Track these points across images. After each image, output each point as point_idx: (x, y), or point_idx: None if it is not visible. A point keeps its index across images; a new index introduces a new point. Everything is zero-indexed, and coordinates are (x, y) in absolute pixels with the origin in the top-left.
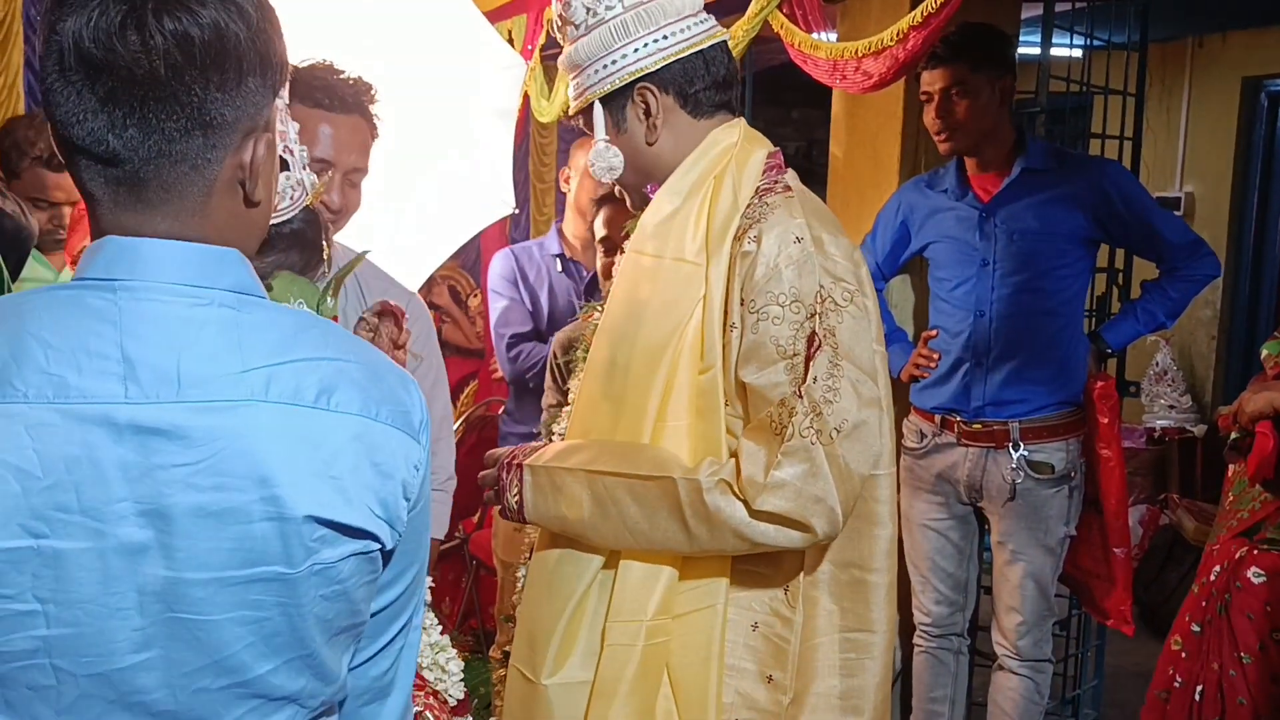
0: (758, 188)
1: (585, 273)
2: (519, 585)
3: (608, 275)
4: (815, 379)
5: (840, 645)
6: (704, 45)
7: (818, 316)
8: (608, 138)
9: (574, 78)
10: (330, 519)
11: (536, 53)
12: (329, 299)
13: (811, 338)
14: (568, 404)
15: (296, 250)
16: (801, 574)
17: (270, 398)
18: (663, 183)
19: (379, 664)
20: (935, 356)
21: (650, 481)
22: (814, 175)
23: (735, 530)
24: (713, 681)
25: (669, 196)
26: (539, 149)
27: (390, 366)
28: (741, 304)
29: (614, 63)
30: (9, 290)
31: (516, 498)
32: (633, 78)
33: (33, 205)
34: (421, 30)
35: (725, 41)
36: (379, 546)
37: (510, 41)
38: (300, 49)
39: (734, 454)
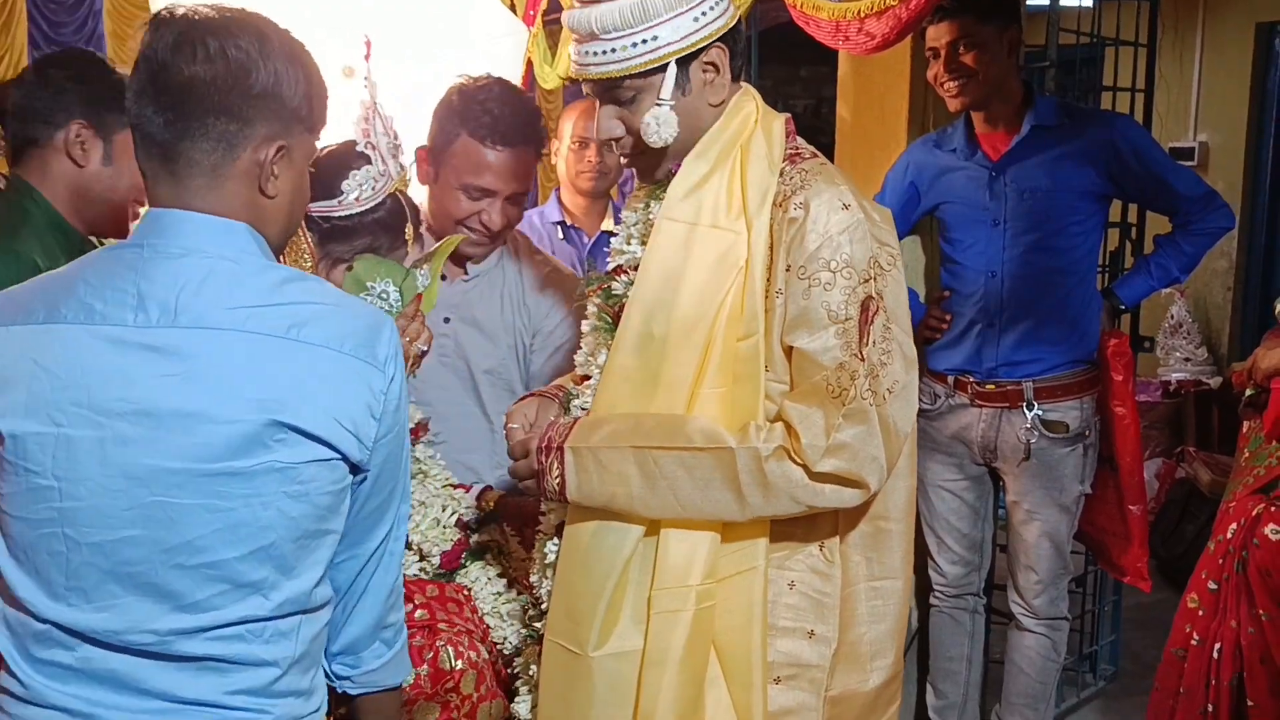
0: (785, 153)
1: (586, 239)
2: (546, 559)
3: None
4: (874, 343)
5: (867, 594)
6: (738, 14)
7: (871, 281)
8: (673, 102)
9: (635, 34)
10: (287, 423)
11: (539, 18)
12: (418, 275)
13: (866, 302)
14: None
15: (381, 235)
16: (836, 530)
17: (247, 328)
18: (692, 147)
19: (350, 568)
20: (947, 318)
21: (704, 453)
22: (823, 133)
23: (792, 494)
24: (756, 642)
25: (697, 163)
26: (545, 115)
27: (363, 311)
28: (788, 270)
29: (696, 19)
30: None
31: (558, 480)
32: (718, 34)
33: None
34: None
35: None
36: (340, 456)
37: (512, 7)
38: (294, 17)
39: (778, 419)
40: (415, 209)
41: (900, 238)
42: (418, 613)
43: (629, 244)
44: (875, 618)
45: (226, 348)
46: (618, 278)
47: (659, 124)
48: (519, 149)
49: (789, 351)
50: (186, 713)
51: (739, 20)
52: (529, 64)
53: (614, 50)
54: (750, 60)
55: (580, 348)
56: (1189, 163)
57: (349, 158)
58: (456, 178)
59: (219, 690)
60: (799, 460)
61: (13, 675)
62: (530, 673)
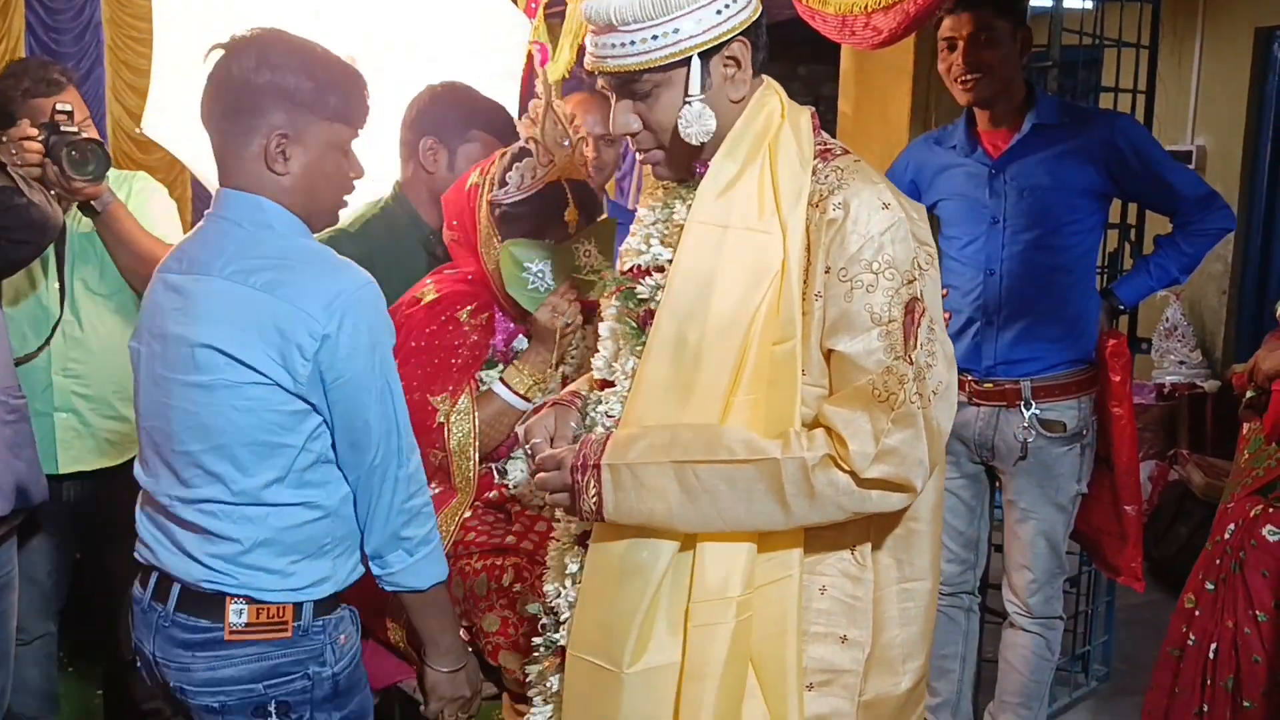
0: (815, 149)
1: None
2: (567, 570)
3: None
4: (920, 345)
5: (899, 596)
6: (761, 8)
7: (915, 282)
8: (704, 96)
9: (655, 26)
10: (230, 352)
11: (540, 10)
12: (581, 253)
13: (911, 304)
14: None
15: (542, 218)
16: (868, 533)
17: (224, 276)
18: (715, 145)
19: (354, 488)
20: (946, 316)
21: (747, 464)
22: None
23: (839, 503)
24: (791, 650)
25: (725, 162)
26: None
27: (331, 277)
28: (827, 272)
29: (719, 12)
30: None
31: (595, 499)
32: (741, 27)
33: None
34: None
35: None
36: (274, 383)
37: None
38: (299, 16)
39: (818, 424)
40: (588, 195)
41: None
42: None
43: (648, 245)
44: (906, 620)
45: (208, 290)
46: (642, 280)
47: (696, 119)
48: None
49: (828, 356)
50: (185, 559)
51: (762, 12)
52: (529, 57)
53: (633, 43)
54: None
55: (599, 351)
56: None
57: (517, 152)
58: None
59: (201, 550)
60: (846, 468)
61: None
62: (548, 685)
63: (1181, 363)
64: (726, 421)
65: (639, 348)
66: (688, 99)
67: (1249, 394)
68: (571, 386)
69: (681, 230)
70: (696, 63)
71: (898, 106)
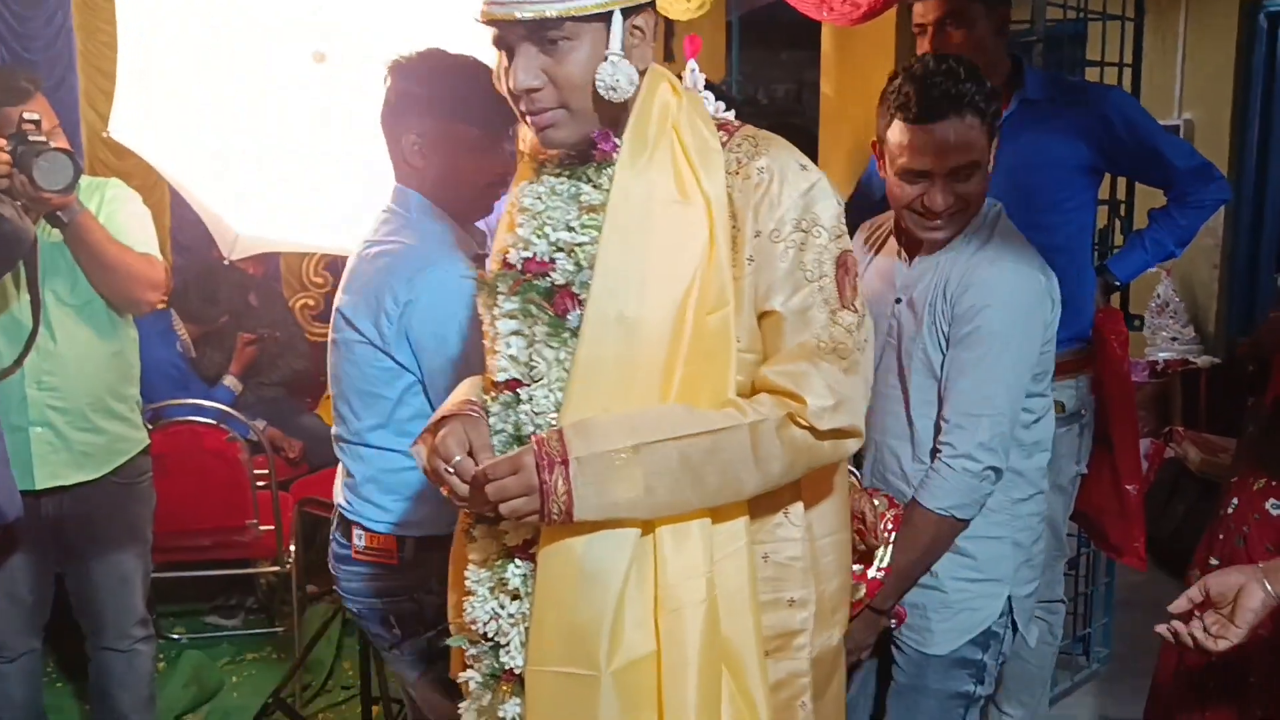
0: (717, 123)
1: None
2: (509, 584)
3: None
4: (856, 295)
5: (821, 551)
6: None
7: (843, 237)
8: (621, 53)
9: None
10: (347, 315)
11: None
12: None
13: (842, 257)
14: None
15: None
16: (798, 494)
17: (358, 252)
18: (616, 118)
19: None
20: None
21: (715, 435)
22: (804, 118)
23: (801, 459)
24: (751, 621)
25: (637, 141)
26: None
27: (426, 249)
28: (757, 236)
29: None
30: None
31: (565, 498)
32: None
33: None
34: None
35: None
36: (369, 342)
37: None
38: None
39: (764, 388)
40: None
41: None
42: None
43: (540, 234)
44: (831, 573)
45: (349, 264)
46: (551, 269)
47: (622, 75)
48: None
49: (762, 319)
50: (346, 483)
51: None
52: None
53: None
54: (732, 44)
55: (497, 351)
56: None
57: None
58: None
59: (341, 481)
60: (805, 424)
61: None
62: (502, 715)
63: (1174, 339)
64: (669, 397)
65: (562, 337)
66: (610, 53)
67: (1250, 368)
68: (459, 396)
69: (595, 212)
70: (618, 18)
71: (880, 87)
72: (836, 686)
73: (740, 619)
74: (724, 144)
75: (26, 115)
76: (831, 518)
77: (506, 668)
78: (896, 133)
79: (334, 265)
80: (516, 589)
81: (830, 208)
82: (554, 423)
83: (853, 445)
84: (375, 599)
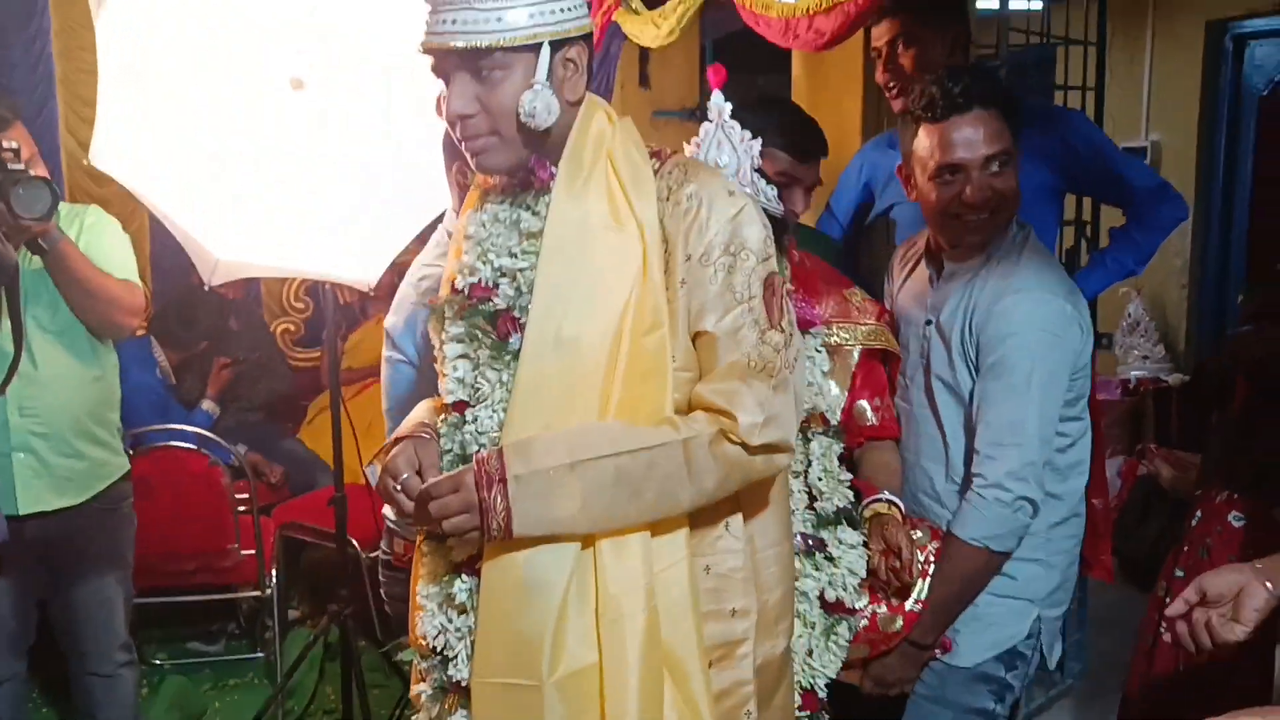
0: (650, 151)
1: None
2: (456, 599)
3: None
4: (784, 315)
5: (763, 563)
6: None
7: (771, 259)
8: (549, 84)
9: (510, 8)
10: (393, 337)
11: None
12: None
13: (770, 279)
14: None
15: None
16: (737, 506)
17: (413, 276)
18: (549, 148)
19: None
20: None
21: (651, 451)
22: None
23: (733, 474)
24: (694, 631)
25: (573, 167)
26: None
27: None
28: (688, 259)
29: (565, 10)
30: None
31: (504, 514)
32: (582, 31)
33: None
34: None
35: None
36: (410, 362)
37: None
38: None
39: (697, 407)
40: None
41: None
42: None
43: (487, 260)
44: (774, 584)
45: (403, 283)
46: (494, 294)
47: (542, 105)
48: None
49: (696, 339)
50: None
51: (590, 34)
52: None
53: (488, 20)
54: (704, 69)
55: (447, 374)
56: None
57: None
58: None
59: None
60: (736, 439)
61: None
62: None
63: (1145, 358)
64: (607, 415)
65: (505, 359)
66: (534, 84)
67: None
68: (413, 419)
69: (534, 238)
70: (547, 50)
71: (850, 110)
72: (783, 696)
73: (682, 629)
74: (656, 171)
75: (5, 143)
76: (773, 530)
77: (454, 680)
78: (924, 137)
79: (315, 290)
80: (463, 603)
81: (757, 232)
82: (498, 442)
83: (783, 460)
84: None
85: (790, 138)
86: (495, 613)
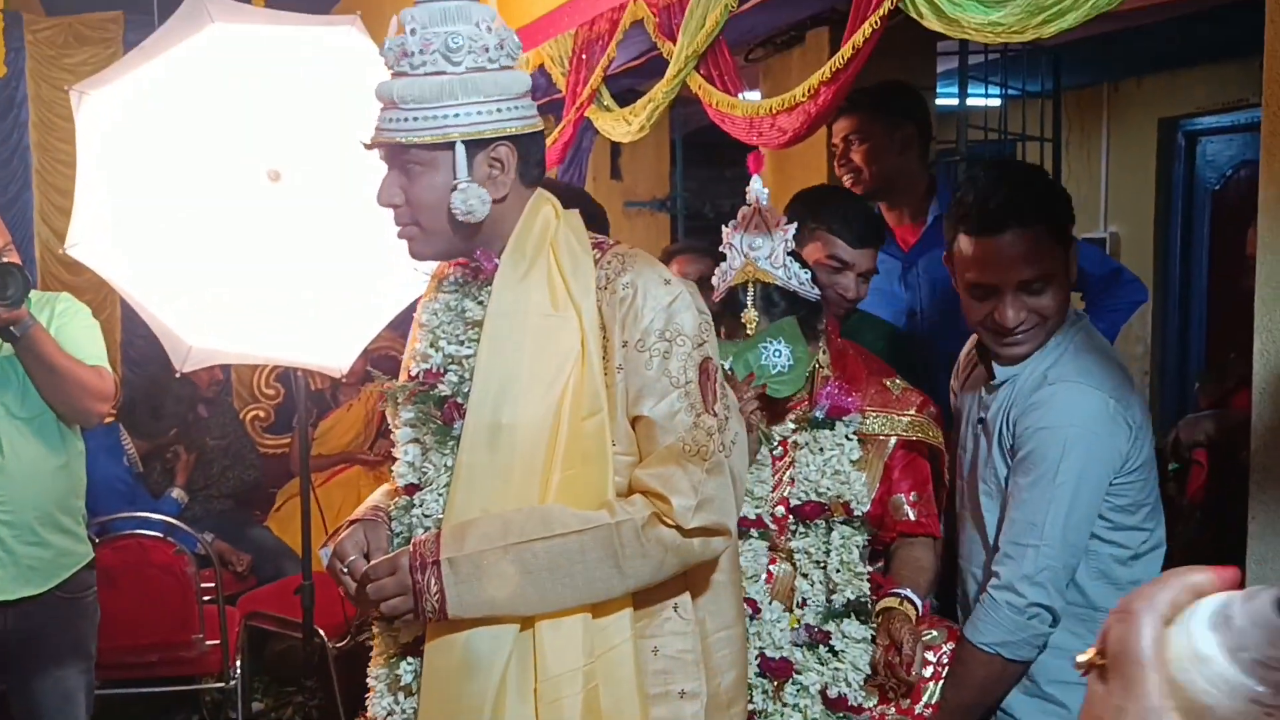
0: (593, 242)
1: None
2: (401, 681)
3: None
4: (719, 399)
5: (715, 645)
6: (539, 129)
7: (705, 344)
8: (470, 179)
9: (428, 110)
10: None
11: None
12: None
13: (705, 364)
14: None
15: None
16: (685, 586)
17: None
18: (486, 240)
19: None
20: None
21: (584, 534)
22: None
23: (668, 559)
24: (640, 712)
25: (516, 258)
26: None
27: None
28: (625, 346)
29: (490, 113)
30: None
31: (438, 596)
32: (509, 134)
33: None
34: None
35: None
36: None
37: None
38: (223, 119)
39: (635, 490)
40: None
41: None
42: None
43: (437, 347)
44: (726, 666)
45: None
46: (441, 380)
47: (466, 199)
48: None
49: (634, 423)
50: None
51: (539, 133)
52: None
53: (405, 120)
54: (675, 162)
55: (399, 458)
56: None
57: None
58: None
59: None
60: (671, 523)
61: None
62: None
63: None
64: (546, 499)
65: (449, 445)
66: (456, 182)
67: (1171, 467)
68: (368, 502)
69: (478, 326)
70: (460, 149)
71: None
72: None
73: (628, 712)
74: (596, 261)
75: None
76: (726, 612)
77: None
78: (963, 245)
79: (286, 377)
80: (409, 685)
81: (692, 318)
82: (441, 525)
83: (720, 544)
84: None
85: (844, 223)
86: (436, 692)
